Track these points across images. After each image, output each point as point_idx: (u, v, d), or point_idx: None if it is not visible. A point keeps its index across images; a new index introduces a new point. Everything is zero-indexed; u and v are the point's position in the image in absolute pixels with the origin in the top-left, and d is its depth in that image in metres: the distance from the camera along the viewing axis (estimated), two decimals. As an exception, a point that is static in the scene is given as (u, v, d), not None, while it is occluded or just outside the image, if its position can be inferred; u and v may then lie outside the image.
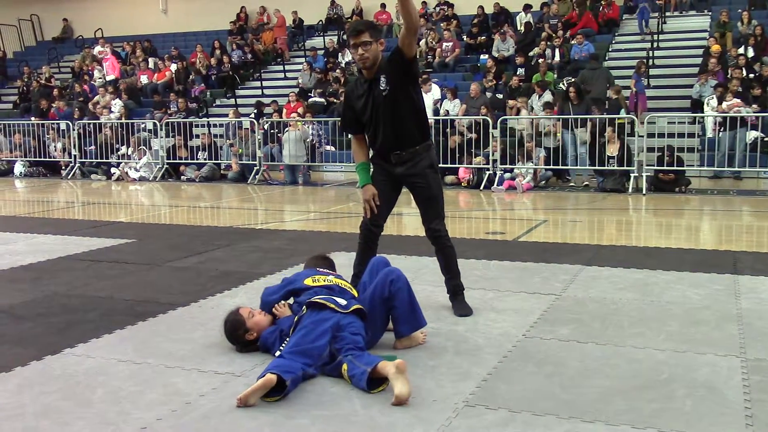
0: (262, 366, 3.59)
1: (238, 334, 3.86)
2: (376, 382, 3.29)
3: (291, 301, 4.00)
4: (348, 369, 3.38)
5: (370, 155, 4.58)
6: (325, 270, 4.18)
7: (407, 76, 4.28)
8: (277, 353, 3.56)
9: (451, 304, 4.68)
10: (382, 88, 4.27)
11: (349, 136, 4.76)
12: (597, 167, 12.17)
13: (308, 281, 3.96)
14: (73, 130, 16.31)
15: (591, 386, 3.37)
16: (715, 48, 15.62)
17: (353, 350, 3.48)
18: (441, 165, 12.84)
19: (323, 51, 20.07)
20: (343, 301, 3.76)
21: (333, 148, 14.83)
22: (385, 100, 4.29)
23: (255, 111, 16.67)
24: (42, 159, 16.69)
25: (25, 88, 21.57)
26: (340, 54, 19.49)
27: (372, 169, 4.55)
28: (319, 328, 3.54)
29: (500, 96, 15.51)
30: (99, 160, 16.01)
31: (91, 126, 16.55)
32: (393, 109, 4.30)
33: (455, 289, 4.69)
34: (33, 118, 18.33)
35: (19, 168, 16.63)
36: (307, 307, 3.69)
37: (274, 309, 3.93)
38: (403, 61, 4.21)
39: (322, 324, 3.56)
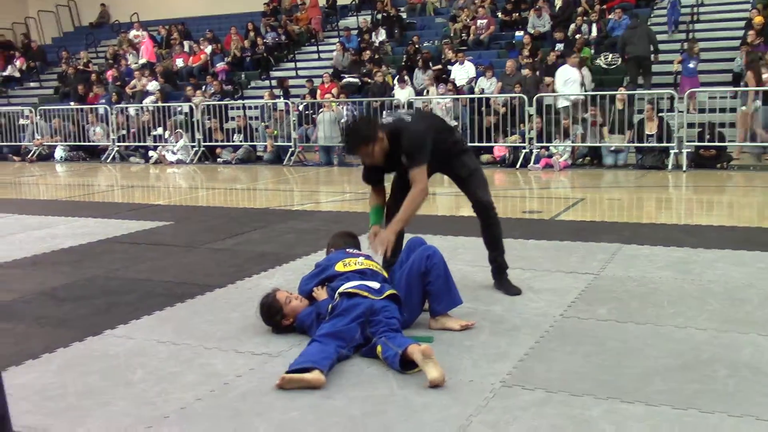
0: (299, 347, 3.61)
1: (275, 320, 3.89)
2: (409, 364, 3.29)
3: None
4: (382, 350, 3.40)
5: None
6: (354, 251, 4.18)
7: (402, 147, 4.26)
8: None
9: (494, 282, 4.67)
10: (404, 162, 4.24)
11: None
12: (636, 144, 11.99)
13: (340, 266, 3.97)
14: (112, 114, 16.50)
15: (630, 366, 3.33)
16: (758, 20, 15.22)
17: (387, 332, 3.49)
18: (476, 144, 12.79)
19: (357, 31, 19.99)
20: (375, 285, 3.76)
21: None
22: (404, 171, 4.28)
23: (281, 90, 16.69)
24: (81, 143, 16.93)
25: (63, 73, 21.86)
26: (373, 33, 19.40)
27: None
28: (351, 313, 3.58)
29: (536, 73, 15.32)
30: (137, 144, 16.19)
31: (129, 110, 16.71)
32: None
33: (500, 267, 4.66)
34: (72, 103, 18.58)
35: (59, 153, 16.88)
36: (339, 296, 3.71)
37: (312, 293, 3.95)
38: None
39: (354, 309, 3.60)
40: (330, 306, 3.70)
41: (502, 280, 4.65)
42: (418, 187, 4.18)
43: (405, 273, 3.90)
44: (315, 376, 3.18)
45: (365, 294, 3.68)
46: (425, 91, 15.19)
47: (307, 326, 3.80)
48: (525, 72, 14.36)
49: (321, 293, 3.91)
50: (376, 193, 4.59)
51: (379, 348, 3.42)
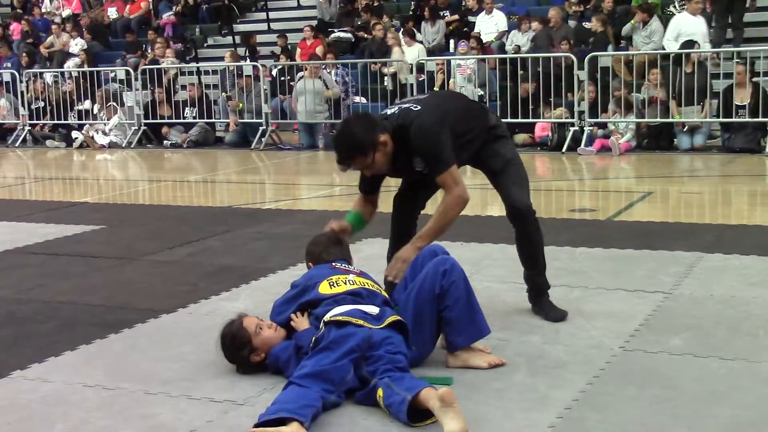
0: (272, 391, 3.61)
1: (242, 355, 3.89)
2: (421, 414, 3.29)
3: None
4: (384, 396, 3.39)
5: None
6: (343, 267, 4.18)
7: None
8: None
9: (531, 306, 4.69)
10: (419, 169, 4.35)
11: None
12: (721, 119, 11.99)
13: (324, 287, 3.96)
14: (21, 81, 16.51)
15: (713, 416, 3.33)
16: None
17: (391, 371, 3.49)
18: (510, 120, 12.73)
19: (349, -31, 20.04)
20: (374, 309, 3.77)
21: (364, 100, 14.82)
22: (426, 177, 4.37)
23: (246, 49, 16.72)
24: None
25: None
26: (371, -28, 19.45)
27: None
28: (342, 347, 3.55)
29: (588, 25, 15.35)
30: (56, 122, 16.20)
31: (45, 76, 16.72)
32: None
33: (539, 289, 4.68)
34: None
35: (-50, 134, 16.94)
36: (326, 325, 3.71)
37: (291, 322, 3.94)
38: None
39: (346, 342, 3.57)
40: (314, 338, 3.70)
41: (542, 303, 4.66)
42: (454, 192, 4.23)
43: (413, 294, 3.89)
44: (293, 429, 3.18)
45: (360, 322, 3.68)
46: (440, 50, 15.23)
47: (283, 363, 3.80)
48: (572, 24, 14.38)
49: (301, 322, 3.91)
50: (364, 202, 4.71)
51: (380, 392, 3.42)
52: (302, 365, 3.57)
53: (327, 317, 3.72)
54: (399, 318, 3.79)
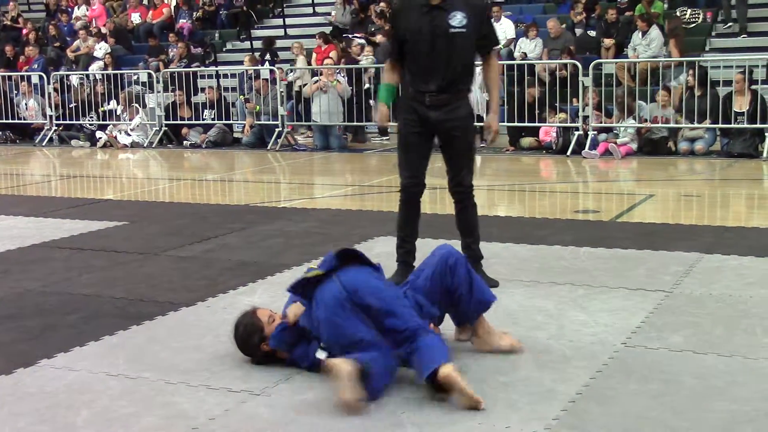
0: (288, 382, 3.63)
1: (253, 343, 3.90)
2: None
3: None
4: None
5: (409, 92, 5.10)
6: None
7: (488, 19, 5.24)
8: (320, 353, 3.64)
9: None
10: (456, 24, 4.86)
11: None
12: (721, 125, 11.95)
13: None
14: (48, 84, 16.56)
15: (712, 411, 3.33)
16: None
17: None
18: (516, 124, 12.81)
19: (362, -23, 20.02)
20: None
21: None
22: (455, 37, 4.87)
23: (265, 50, 16.71)
24: (9, 121, 16.99)
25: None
26: (383, -19, 19.41)
27: (403, 116, 5.12)
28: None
29: (592, 33, 15.32)
30: (81, 122, 16.24)
31: (71, 79, 16.75)
32: (460, 49, 4.90)
33: (476, 257, 5.14)
34: (-3, 69, 18.65)
35: (-21, 132, 16.99)
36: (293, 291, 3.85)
37: (288, 311, 3.93)
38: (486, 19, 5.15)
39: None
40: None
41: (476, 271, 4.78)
42: (497, 63, 5.18)
43: (424, 289, 3.94)
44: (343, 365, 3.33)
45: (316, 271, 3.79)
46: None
47: (287, 344, 3.83)
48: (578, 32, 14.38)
49: (294, 308, 3.90)
50: (393, 69, 5.17)
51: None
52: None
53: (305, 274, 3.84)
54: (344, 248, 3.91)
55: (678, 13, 15.18)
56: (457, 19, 4.85)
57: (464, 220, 5.22)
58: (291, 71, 15.42)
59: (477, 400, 3.33)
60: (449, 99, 4.96)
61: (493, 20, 15.41)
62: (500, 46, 5.06)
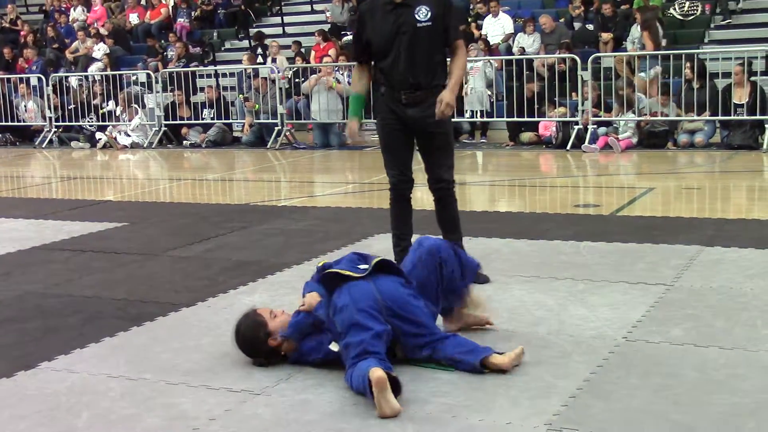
0: (288, 382, 3.63)
1: (260, 339, 3.88)
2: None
3: None
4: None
5: (381, 91, 5.16)
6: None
7: (450, 11, 5.07)
8: (333, 345, 3.68)
9: None
10: (420, 19, 4.90)
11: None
12: (720, 117, 11.94)
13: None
14: (47, 85, 16.56)
15: (713, 404, 3.33)
16: None
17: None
18: (516, 119, 12.83)
19: (360, -25, 20.04)
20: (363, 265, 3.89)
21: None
22: (422, 32, 4.90)
23: (256, 45, 16.70)
24: (8, 123, 16.99)
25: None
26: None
27: (381, 115, 5.18)
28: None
29: (590, 27, 15.31)
30: (81, 123, 16.24)
31: (70, 80, 16.73)
32: (429, 43, 4.94)
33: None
34: (-5, 71, 18.64)
35: (-21, 135, 16.98)
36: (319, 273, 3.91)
37: (300, 305, 3.95)
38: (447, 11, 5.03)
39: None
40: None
41: None
42: (464, 53, 5.07)
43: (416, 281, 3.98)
44: (377, 377, 3.31)
45: (347, 273, 3.82)
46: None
47: (306, 349, 3.84)
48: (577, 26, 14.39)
49: (311, 298, 3.92)
50: (362, 73, 5.23)
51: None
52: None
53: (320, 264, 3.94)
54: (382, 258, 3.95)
55: (676, 6, 15.17)
56: (423, 13, 4.90)
57: (446, 216, 5.23)
58: (290, 69, 15.40)
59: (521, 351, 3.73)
60: (425, 95, 4.96)
61: (491, 16, 15.65)
62: (461, 40, 5.06)
